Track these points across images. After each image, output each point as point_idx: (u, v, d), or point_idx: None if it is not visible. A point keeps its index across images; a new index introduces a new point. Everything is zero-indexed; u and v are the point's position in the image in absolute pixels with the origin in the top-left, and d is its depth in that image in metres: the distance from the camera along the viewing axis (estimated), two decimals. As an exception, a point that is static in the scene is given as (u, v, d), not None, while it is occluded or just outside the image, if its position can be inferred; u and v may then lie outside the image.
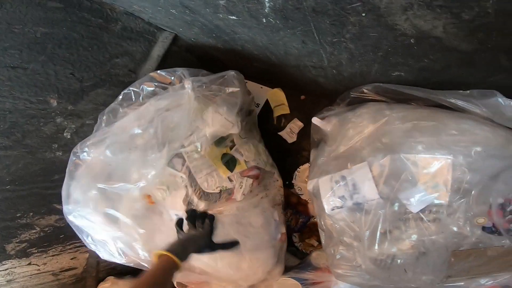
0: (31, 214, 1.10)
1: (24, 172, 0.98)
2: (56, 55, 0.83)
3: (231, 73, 1.11)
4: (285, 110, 1.44)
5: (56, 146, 0.99)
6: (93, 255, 1.44)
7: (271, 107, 1.46)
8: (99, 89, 0.97)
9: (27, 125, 0.89)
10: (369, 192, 0.91)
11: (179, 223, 0.93)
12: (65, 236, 1.30)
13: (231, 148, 1.10)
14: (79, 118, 0.99)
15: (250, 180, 1.12)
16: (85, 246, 1.37)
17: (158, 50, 1.06)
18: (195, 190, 1.02)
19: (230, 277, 1.11)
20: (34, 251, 1.19)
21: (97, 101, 0.99)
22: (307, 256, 1.39)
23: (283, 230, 1.21)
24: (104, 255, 1.08)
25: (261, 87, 1.44)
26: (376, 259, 0.94)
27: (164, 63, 1.10)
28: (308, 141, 1.23)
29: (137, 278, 0.78)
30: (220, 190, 1.06)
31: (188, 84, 1.00)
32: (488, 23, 0.58)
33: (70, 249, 1.36)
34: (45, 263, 1.28)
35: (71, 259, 1.37)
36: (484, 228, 0.85)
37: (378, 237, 0.91)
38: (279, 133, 1.46)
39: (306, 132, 1.22)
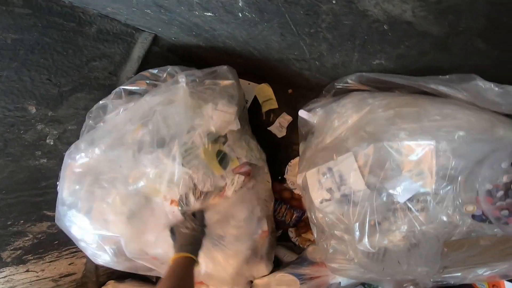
0: (22, 221, 1.09)
1: (10, 181, 0.97)
2: (30, 61, 0.82)
3: (224, 67, 1.12)
4: (274, 104, 1.43)
5: (40, 153, 0.99)
6: (91, 260, 1.45)
7: (259, 102, 1.45)
8: (78, 93, 0.96)
9: (7, 134, 0.88)
10: (355, 182, 0.89)
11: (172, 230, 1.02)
12: (59, 242, 1.30)
13: (223, 144, 1.10)
14: (60, 124, 0.98)
15: (242, 177, 1.12)
16: (81, 251, 1.38)
17: (138, 51, 1.05)
18: (193, 190, 1.02)
19: (208, 273, 1.10)
20: (30, 258, 1.19)
21: (77, 106, 0.99)
22: (304, 251, 1.38)
23: (265, 227, 1.19)
24: (98, 260, 1.07)
25: (249, 83, 1.43)
26: (369, 253, 0.92)
27: (146, 64, 1.09)
28: (298, 135, 1.22)
29: (160, 284, 0.85)
30: (214, 189, 1.05)
31: (182, 79, 1.00)
32: (455, 5, 0.56)
33: (66, 254, 1.36)
34: (43, 270, 1.28)
35: (69, 264, 1.37)
36: (474, 216, 0.83)
37: (367, 229, 0.89)
38: (269, 128, 1.46)
39: (295, 126, 1.21)
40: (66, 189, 0.98)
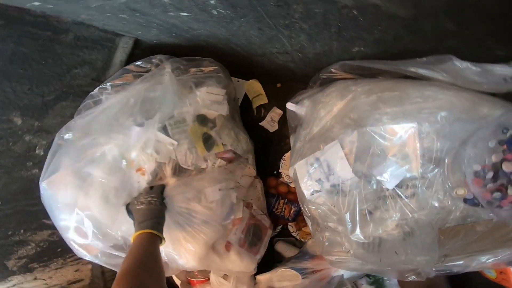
0: (22, 231, 1.11)
1: (5, 192, 0.99)
2: (9, 72, 0.83)
3: (205, 59, 1.14)
4: (263, 100, 1.43)
5: (31, 164, 1.00)
6: (96, 266, 1.46)
7: (250, 98, 1.45)
8: (63, 102, 0.97)
9: (-3, 146, 0.90)
10: (343, 171, 0.89)
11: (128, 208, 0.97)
12: (63, 249, 1.32)
13: (211, 129, 1.11)
14: (48, 133, 0.99)
15: (224, 162, 1.14)
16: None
17: (120, 56, 1.06)
18: (173, 164, 1.02)
19: (175, 255, 1.07)
20: (36, 266, 1.21)
21: (64, 114, 1.00)
22: (304, 244, 1.37)
23: (238, 215, 1.18)
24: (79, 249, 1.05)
25: (238, 81, 1.42)
26: (363, 243, 0.91)
27: (128, 69, 1.10)
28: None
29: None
30: (194, 168, 1.06)
31: (167, 65, 1.03)
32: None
33: (71, 261, 1.39)
34: (51, 277, 1.30)
35: (75, 271, 1.39)
36: (466, 200, 0.81)
37: (358, 219, 0.88)
38: (261, 124, 1.45)
39: (286, 119, 1.21)
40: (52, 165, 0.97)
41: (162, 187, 1.01)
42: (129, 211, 0.98)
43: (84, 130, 0.97)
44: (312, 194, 0.96)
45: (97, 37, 0.99)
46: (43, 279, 1.26)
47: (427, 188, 0.83)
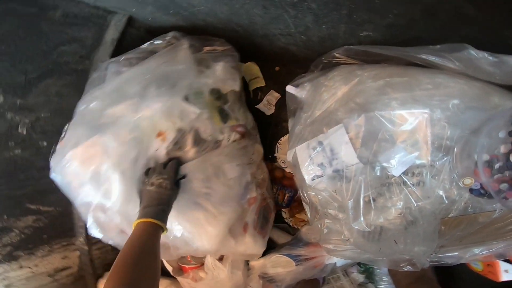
0: (5, 217, 1.05)
1: (-16, 175, 0.93)
2: (-11, 50, 0.76)
3: (217, 39, 1.12)
4: (261, 83, 1.39)
5: (13, 144, 0.93)
6: (85, 253, 1.40)
7: (246, 81, 1.40)
8: (48, 79, 0.90)
9: (-25, 125, 0.83)
10: (347, 156, 0.85)
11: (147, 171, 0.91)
12: (49, 236, 1.26)
13: (224, 104, 1.10)
14: (31, 112, 0.93)
15: (238, 135, 1.11)
16: (73, 244, 1.35)
17: (112, 34, 0.99)
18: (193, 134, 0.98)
19: (184, 237, 1.02)
20: (21, 254, 1.16)
21: (49, 93, 0.93)
22: (298, 231, 1.36)
23: (253, 194, 1.14)
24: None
25: (235, 63, 1.37)
26: (364, 232, 0.89)
27: (121, 47, 1.03)
28: (287, 112, 1.18)
29: (120, 253, 0.72)
30: (211, 139, 1.03)
31: (185, 42, 1.01)
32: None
33: (57, 248, 1.32)
34: (37, 265, 1.24)
35: (62, 258, 1.33)
36: (472, 191, 0.80)
37: (362, 206, 0.85)
38: (257, 106, 1.42)
39: (284, 103, 1.18)
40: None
41: (177, 165, 0.93)
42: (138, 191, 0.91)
43: (106, 99, 0.91)
44: (313, 179, 0.93)
45: (88, 14, 0.92)
46: (29, 267, 1.20)
47: (433, 177, 0.82)
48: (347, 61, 1.00)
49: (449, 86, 0.78)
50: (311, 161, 0.92)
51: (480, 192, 0.79)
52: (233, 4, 0.90)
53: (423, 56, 0.82)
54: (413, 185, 0.83)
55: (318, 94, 0.98)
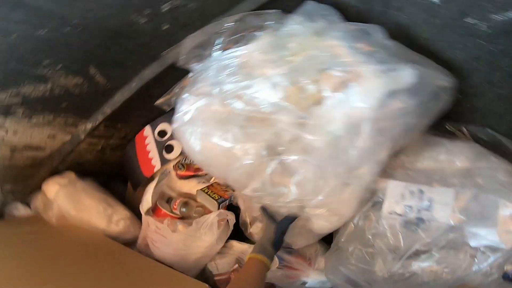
0: (60, 66, 0.95)
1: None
2: None
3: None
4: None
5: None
6: (74, 141, 1.25)
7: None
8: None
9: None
10: (441, 215, 0.91)
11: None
12: (66, 107, 1.11)
13: None
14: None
15: None
16: (76, 126, 1.20)
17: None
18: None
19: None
20: (19, 111, 1.02)
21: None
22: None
23: None
24: None
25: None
26: (395, 272, 0.94)
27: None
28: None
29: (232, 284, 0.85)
30: None
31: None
32: None
33: (57, 123, 1.16)
34: (16, 132, 1.05)
35: (48, 137, 1.16)
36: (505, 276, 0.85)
37: (407, 254, 0.92)
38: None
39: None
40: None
41: (287, 225, 1.01)
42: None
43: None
44: (390, 213, 0.97)
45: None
46: (5, 132, 1.05)
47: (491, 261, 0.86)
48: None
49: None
50: (402, 199, 0.96)
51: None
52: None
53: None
54: (471, 257, 0.87)
55: (435, 153, 1.06)
